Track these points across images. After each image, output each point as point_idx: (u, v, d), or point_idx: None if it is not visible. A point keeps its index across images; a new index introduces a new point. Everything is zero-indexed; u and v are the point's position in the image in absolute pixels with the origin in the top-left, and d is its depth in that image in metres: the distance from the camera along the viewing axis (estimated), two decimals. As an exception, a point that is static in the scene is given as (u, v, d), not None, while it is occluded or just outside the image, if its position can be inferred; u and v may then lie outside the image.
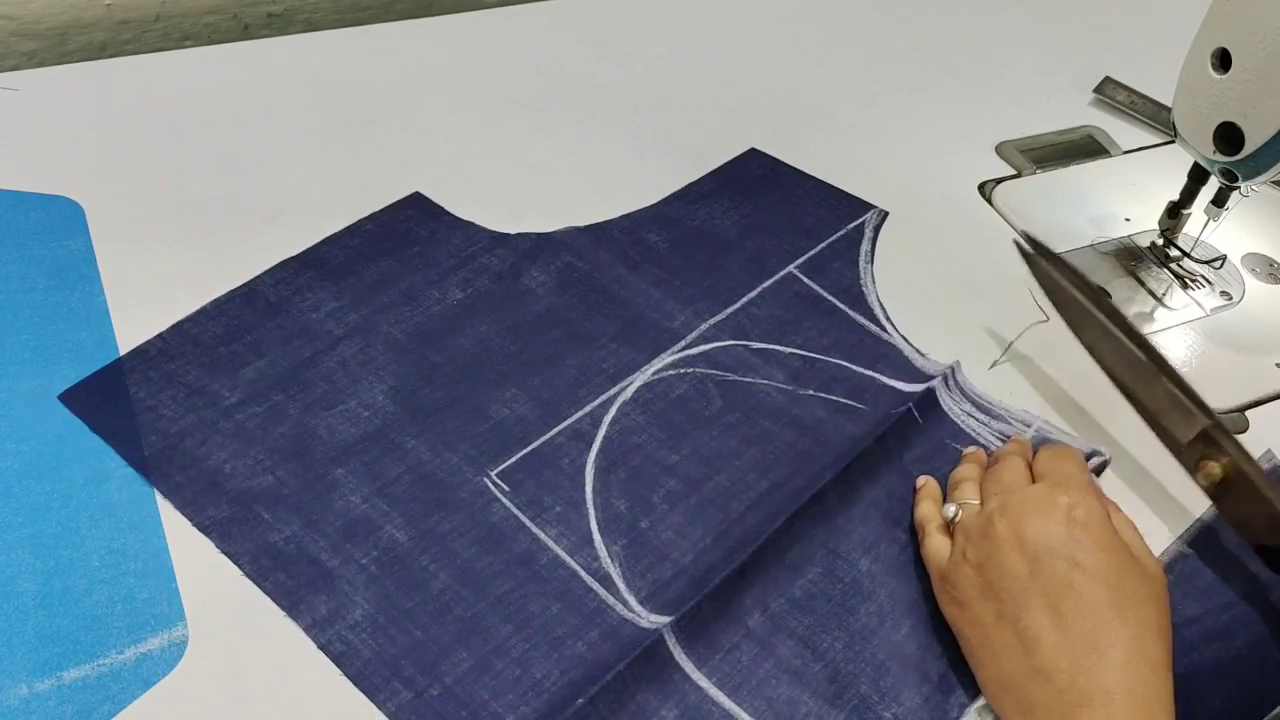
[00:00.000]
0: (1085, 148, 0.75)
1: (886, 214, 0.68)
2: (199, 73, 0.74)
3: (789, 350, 0.59)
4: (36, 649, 0.45)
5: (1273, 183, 0.70)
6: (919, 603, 0.49)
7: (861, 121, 0.75)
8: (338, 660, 0.46)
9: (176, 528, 0.49)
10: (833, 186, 0.70)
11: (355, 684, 0.45)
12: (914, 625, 0.48)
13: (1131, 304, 0.64)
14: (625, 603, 0.48)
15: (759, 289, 0.63)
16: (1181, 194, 0.64)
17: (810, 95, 0.77)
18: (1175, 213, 0.65)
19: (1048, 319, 0.62)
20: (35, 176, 0.65)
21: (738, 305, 0.62)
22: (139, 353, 0.56)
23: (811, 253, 0.65)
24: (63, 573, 0.47)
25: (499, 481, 0.52)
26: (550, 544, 0.50)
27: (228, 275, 0.60)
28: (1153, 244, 0.67)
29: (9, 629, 0.45)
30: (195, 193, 0.65)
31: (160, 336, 0.57)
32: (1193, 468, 0.51)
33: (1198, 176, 0.62)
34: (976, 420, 0.56)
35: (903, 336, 0.61)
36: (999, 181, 0.72)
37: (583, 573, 0.49)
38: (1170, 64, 0.60)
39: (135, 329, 0.57)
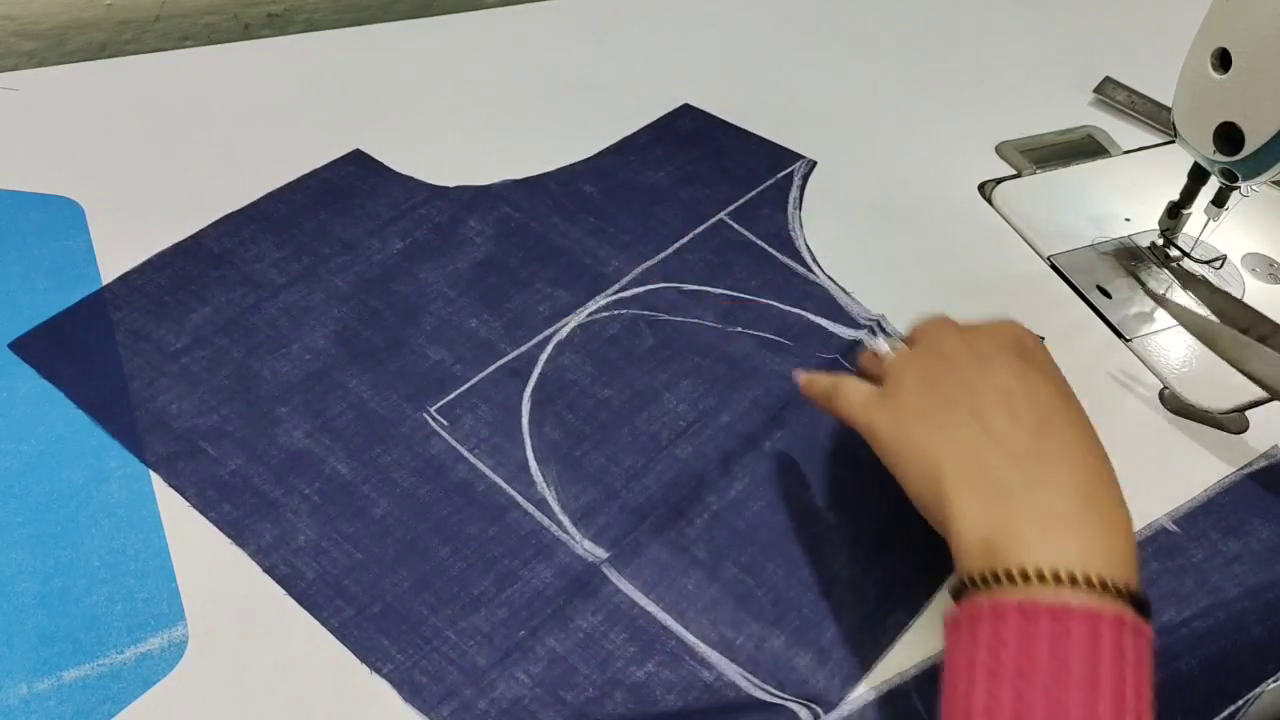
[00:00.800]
0: (1085, 148, 0.75)
1: (815, 163, 0.71)
2: (199, 73, 0.74)
3: (719, 291, 0.62)
4: (36, 649, 0.45)
5: (1273, 183, 0.70)
6: (859, 536, 0.51)
7: (861, 121, 0.75)
8: (283, 582, 0.47)
9: (176, 528, 0.49)
10: (763, 139, 0.72)
11: (300, 603, 0.47)
12: (852, 553, 0.50)
13: (1131, 304, 0.64)
14: (560, 524, 0.51)
15: (691, 235, 0.65)
16: (1181, 194, 0.64)
17: (809, 95, 0.77)
18: (1175, 213, 0.65)
19: (1042, 339, 0.61)
20: (35, 176, 0.65)
21: (670, 251, 0.64)
22: (88, 302, 0.58)
23: (741, 201, 0.68)
24: (63, 572, 0.47)
25: (438, 416, 0.54)
26: (487, 472, 0.52)
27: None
28: (1153, 244, 0.67)
29: (9, 629, 0.45)
30: (195, 193, 0.65)
31: (107, 288, 0.58)
32: None
33: (1198, 176, 0.62)
34: None
35: (829, 277, 0.63)
36: (999, 181, 0.72)
37: (519, 497, 0.51)
38: (1170, 64, 0.60)
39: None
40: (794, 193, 0.68)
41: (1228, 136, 0.56)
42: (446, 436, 0.53)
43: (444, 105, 0.73)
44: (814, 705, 0.45)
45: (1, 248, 0.60)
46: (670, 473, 0.53)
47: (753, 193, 0.68)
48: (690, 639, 0.47)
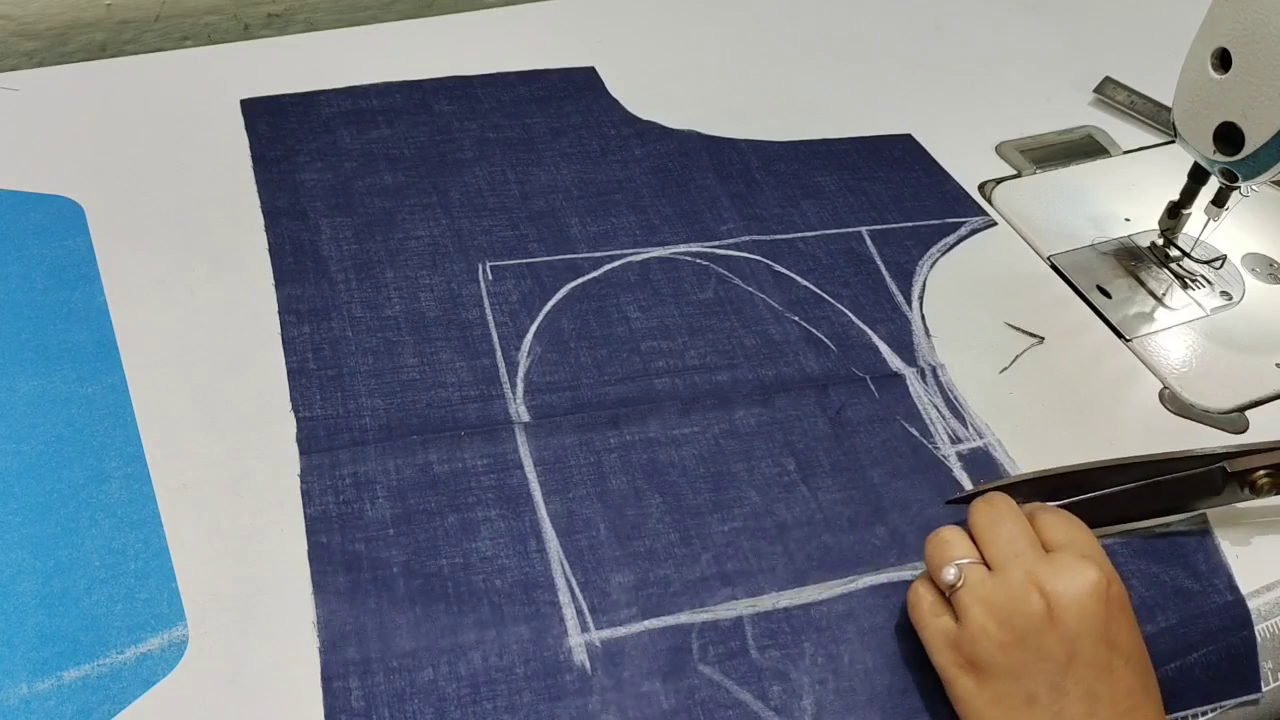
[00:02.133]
0: (1085, 148, 0.75)
1: (994, 223, 0.69)
2: (199, 73, 0.74)
3: (805, 283, 0.63)
4: (36, 649, 0.45)
5: (1273, 183, 0.70)
6: (760, 517, 0.52)
7: (861, 122, 0.75)
8: (283, 327, 0.57)
9: (176, 528, 0.49)
10: (962, 189, 0.71)
11: (284, 346, 0.56)
12: (740, 529, 0.52)
13: (1131, 304, 0.64)
14: (513, 383, 0.56)
15: (819, 233, 0.66)
16: (1181, 194, 0.64)
17: (809, 95, 0.77)
18: (1175, 213, 0.65)
19: (1042, 339, 0.62)
20: (35, 176, 0.64)
21: (789, 236, 0.66)
22: (300, 98, 0.70)
23: (891, 225, 0.68)
24: (63, 573, 0.47)
25: (488, 271, 0.61)
26: (490, 324, 0.59)
27: (228, 274, 0.60)
28: (1153, 244, 0.67)
29: (9, 629, 0.45)
30: (195, 193, 0.65)
31: (328, 90, 0.71)
32: (1248, 491, 0.51)
33: (1198, 176, 0.62)
34: (937, 412, 0.58)
35: (921, 316, 0.62)
36: (999, 181, 0.72)
37: (499, 352, 0.58)
38: (1170, 64, 0.60)
39: (135, 329, 0.57)
40: (951, 239, 0.67)
41: (1228, 136, 0.56)
42: (482, 286, 0.60)
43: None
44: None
45: (1, 248, 0.60)
46: (636, 393, 0.56)
47: (909, 224, 0.68)
48: (542, 513, 0.51)
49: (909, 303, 0.63)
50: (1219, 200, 0.62)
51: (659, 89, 0.75)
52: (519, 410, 0.55)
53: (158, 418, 0.53)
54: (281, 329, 0.57)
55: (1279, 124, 0.54)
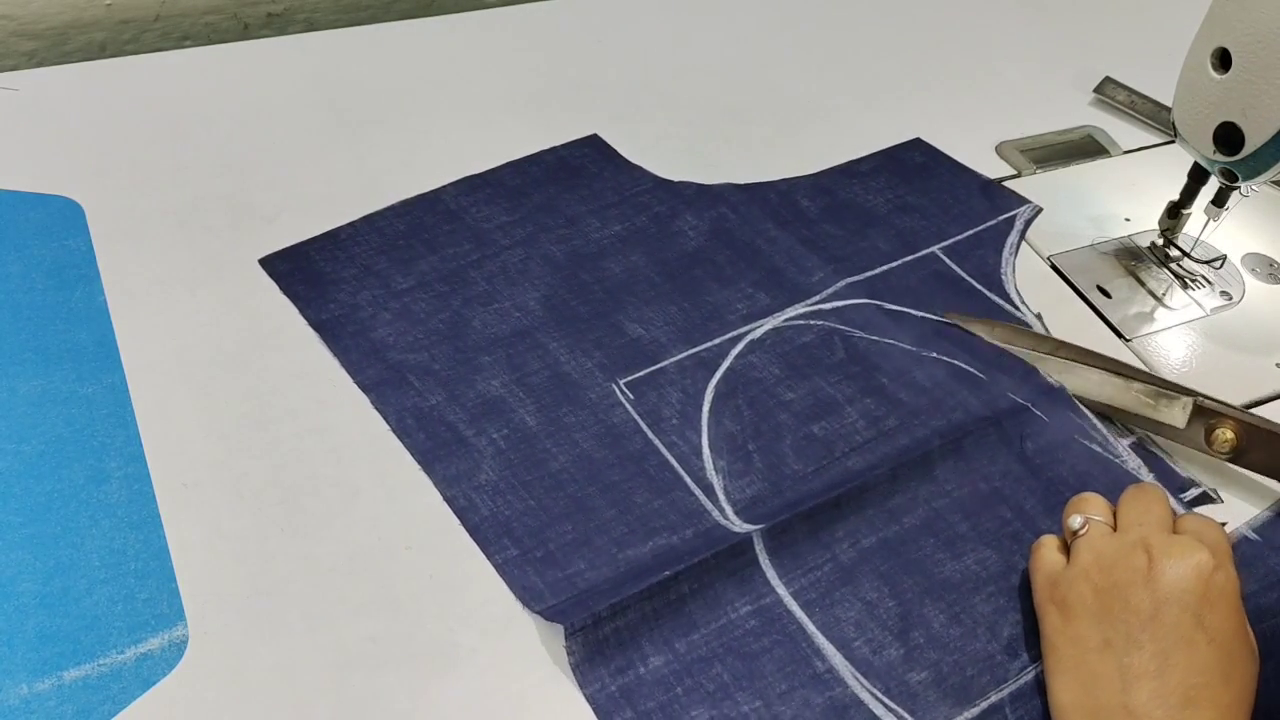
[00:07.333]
0: (1085, 148, 0.75)
1: (1040, 209, 0.69)
2: (199, 73, 0.74)
3: (920, 314, 0.62)
4: (36, 649, 0.45)
5: (1273, 183, 0.70)
6: (1006, 574, 0.51)
7: (861, 121, 0.75)
8: (460, 514, 0.51)
9: (176, 528, 0.49)
10: (990, 180, 0.71)
11: (472, 535, 0.50)
12: (995, 592, 0.50)
13: (1131, 304, 0.64)
14: (722, 510, 0.52)
15: (900, 261, 0.65)
16: (1181, 194, 0.64)
17: (809, 96, 0.77)
18: (1175, 213, 0.65)
19: (1036, 319, 0.62)
20: (35, 176, 0.65)
21: (876, 271, 0.64)
22: (330, 235, 0.63)
23: (958, 238, 0.67)
24: (63, 573, 0.47)
25: (625, 390, 0.57)
26: (662, 450, 0.54)
27: (228, 274, 0.60)
28: (1153, 244, 0.67)
29: (9, 629, 0.45)
30: (195, 193, 0.65)
31: (351, 224, 0.64)
32: (1205, 442, 0.54)
33: (1198, 176, 0.62)
34: (1104, 419, 0.57)
35: (1036, 316, 0.62)
36: (999, 181, 0.72)
37: (687, 479, 0.53)
38: (1170, 64, 0.60)
39: (135, 329, 0.57)
40: (1013, 237, 0.67)
41: (1228, 137, 0.57)
42: (630, 409, 0.56)
43: (445, 105, 0.73)
44: None
45: (1, 248, 0.60)
46: (837, 479, 0.53)
47: (970, 231, 0.67)
48: (810, 628, 0.48)
49: (1017, 309, 0.62)
50: (1219, 200, 0.62)
51: (660, 142, 0.72)
52: (745, 527, 0.51)
53: (158, 418, 0.53)
54: (460, 518, 0.51)
55: (1279, 124, 0.54)
